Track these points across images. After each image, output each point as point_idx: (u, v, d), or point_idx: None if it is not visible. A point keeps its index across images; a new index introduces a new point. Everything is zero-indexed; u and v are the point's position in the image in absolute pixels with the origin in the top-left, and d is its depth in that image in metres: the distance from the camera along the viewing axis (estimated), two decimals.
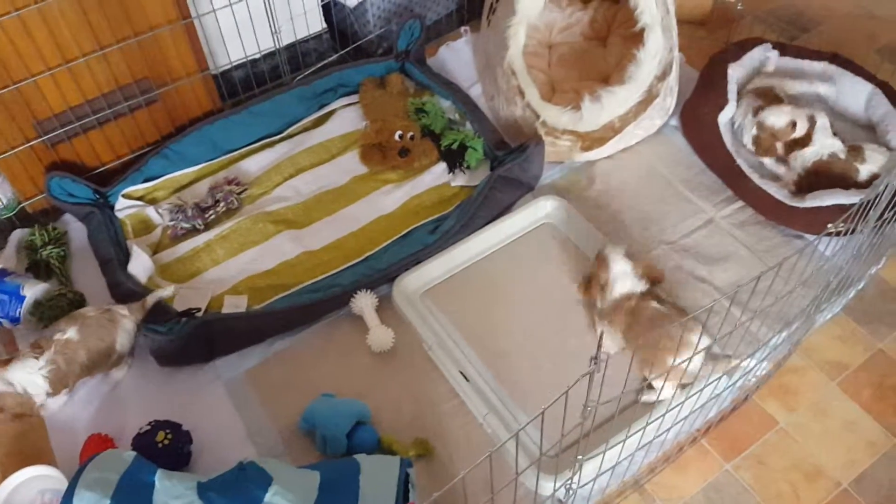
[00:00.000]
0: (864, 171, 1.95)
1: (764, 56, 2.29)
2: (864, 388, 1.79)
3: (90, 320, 1.67)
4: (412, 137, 2.18)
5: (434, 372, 1.77)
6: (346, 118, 2.29)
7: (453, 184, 2.14)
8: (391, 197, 2.11)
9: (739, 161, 2.05)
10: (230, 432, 1.68)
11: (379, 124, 2.20)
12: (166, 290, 1.78)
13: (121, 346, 1.70)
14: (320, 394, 1.70)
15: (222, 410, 1.72)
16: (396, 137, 2.17)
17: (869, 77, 2.22)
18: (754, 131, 2.09)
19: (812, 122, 2.02)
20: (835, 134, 2.03)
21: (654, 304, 1.62)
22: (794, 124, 2.03)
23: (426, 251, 1.94)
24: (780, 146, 2.06)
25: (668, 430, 1.37)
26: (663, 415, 1.28)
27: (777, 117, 2.04)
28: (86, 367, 1.67)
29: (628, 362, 1.00)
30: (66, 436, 1.69)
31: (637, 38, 2.10)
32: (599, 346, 0.85)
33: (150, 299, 1.75)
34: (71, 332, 1.64)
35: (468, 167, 2.14)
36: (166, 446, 1.57)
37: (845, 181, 1.96)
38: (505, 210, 2.07)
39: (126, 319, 1.71)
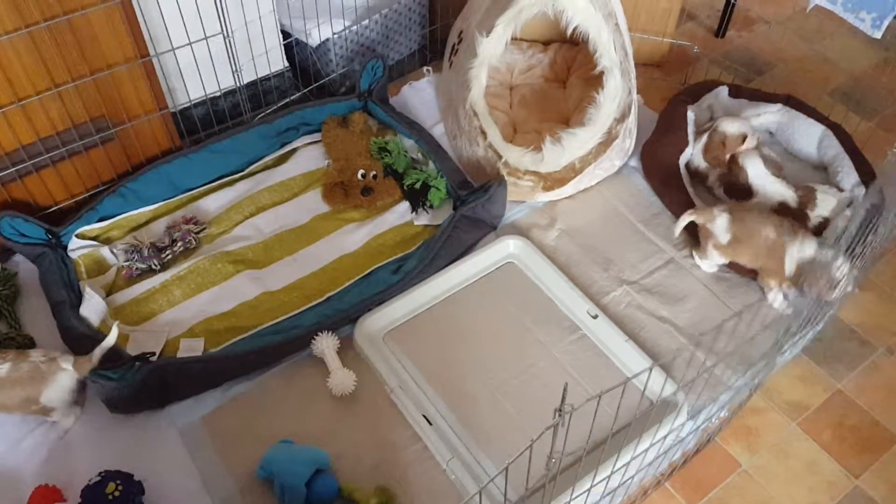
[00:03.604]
0: (814, 217, 1.99)
1: (720, 98, 2.34)
2: (824, 429, 1.80)
3: (24, 366, 1.60)
4: (375, 176, 2.17)
5: (396, 416, 1.74)
6: (308, 157, 2.27)
7: (416, 223, 2.13)
8: (353, 236, 2.09)
9: (699, 203, 2.07)
10: (184, 482, 1.63)
11: (341, 163, 2.18)
12: (111, 336, 1.66)
13: (48, 399, 1.62)
14: (279, 440, 1.66)
15: (176, 459, 1.66)
16: (359, 176, 2.16)
17: (821, 118, 2.27)
18: (705, 138, 2.14)
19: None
20: (784, 179, 2.07)
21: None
22: (744, 137, 2.08)
23: (389, 291, 1.92)
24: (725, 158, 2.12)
25: (633, 476, 1.36)
26: (628, 462, 1.27)
27: (731, 125, 2.09)
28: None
29: (593, 409, 0.98)
30: (10, 487, 1.62)
31: (596, 80, 2.13)
32: (564, 397, 0.83)
33: (98, 353, 1.64)
34: (4, 368, 1.59)
35: (431, 206, 2.14)
36: (117, 498, 1.50)
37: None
38: (468, 249, 2.07)
39: (64, 374, 1.62)
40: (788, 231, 1.85)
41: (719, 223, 1.91)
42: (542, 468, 0.99)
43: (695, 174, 2.20)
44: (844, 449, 1.77)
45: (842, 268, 1.74)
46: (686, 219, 1.97)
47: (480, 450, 1.68)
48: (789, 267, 1.84)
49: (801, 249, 1.82)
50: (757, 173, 2.05)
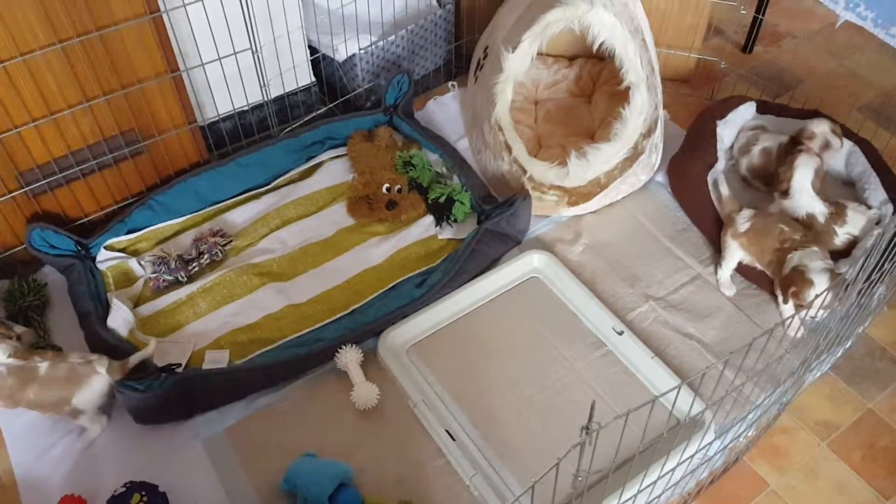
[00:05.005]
0: (842, 234, 1.96)
1: (747, 114, 2.32)
2: (854, 450, 1.77)
3: (62, 366, 1.64)
4: (399, 190, 2.18)
5: (420, 430, 1.73)
6: (334, 170, 2.29)
7: (440, 237, 2.13)
8: (378, 249, 2.10)
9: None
10: (208, 494, 1.63)
11: (366, 177, 2.20)
12: (148, 349, 1.71)
13: (79, 402, 1.65)
14: (302, 453, 1.66)
15: (200, 470, 1.67)
16: (384, 190, 2.17)
17: (849, 135, 2.24)
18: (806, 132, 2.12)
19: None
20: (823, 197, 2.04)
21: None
22: (828, 143, 2.10)
23: (413, 305, 1.92)
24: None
25: (660, 495, 1.34)
26: (655, 481, 1.26)
27: (821, 125, 2.11)
28: (33, 403, 1.64)
29: (620, 428, 0.97)
30: (38, 496, 1.64)
31: (622, 95, 2.12)
32: (591, 415, 0.82)
33: (134, 360, 1.68)
34: (44, 367, 1.63)
35: (455, 220, 2.14)
36: None
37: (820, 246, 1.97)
38: (492, 264, 2.06)
39: (97, 378, 1.65)
40: (800, 240, 1.87)
41: (744, 213, 1.98)
42: (567, 486, 0.98)
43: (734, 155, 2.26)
44: (875, 470, 1.74)
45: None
46: (723, 183, 2.05)
47: (504, 466, 1.67)
48: (786, 269, 1.84)
49: (805, 256, 1.82)
50: (801, 180, 2.02)
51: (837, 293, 1.41)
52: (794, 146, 2.09)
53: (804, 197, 2.01)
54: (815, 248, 1.85)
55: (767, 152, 2.16)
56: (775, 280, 1.90)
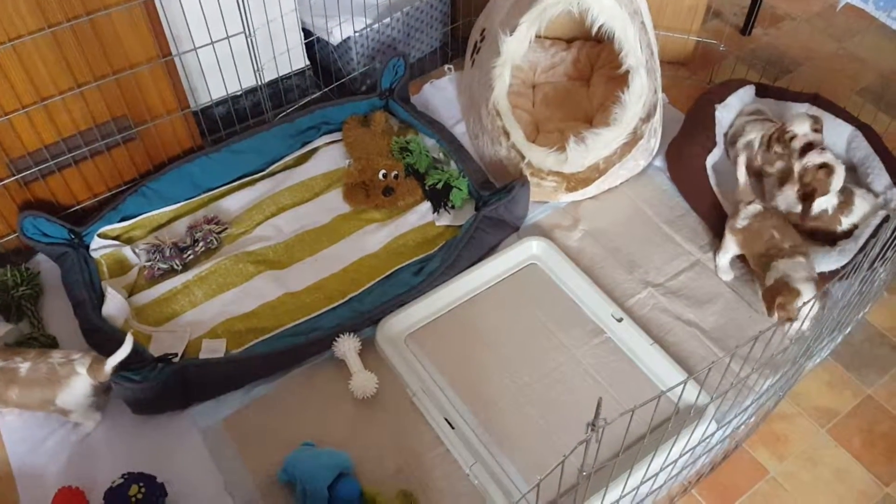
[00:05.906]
0: (846, 222, 1.96)
1: (747, 98, 2.30)
2: (854, 436, 1.77)
3: (42, 367, 1.61)
4: (396, 176, 2.16)
5: (419, 419, 1.72)
6: (330, 156, 2.26)
7: (438, 223, 2.11)
8: (375, 237, 2.08)
9: (725, 205, 2.04)
10: (206, 484, 1.62)
11: (363, 163, 2.17)
12: (124, 349, 1.61)
13: (63, 402, 1.62)
14: (300, 443, 1.65)
15: (198, 461, 1.66)
16: (380, 176, 2.14)
17: (849, 118, 2.23)
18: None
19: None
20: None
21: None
22: (811, 145, 1.97)
23: (410, 293, 1.90)
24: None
25: (662, 486, 1.34)
26: (657, 473, 1.25)
27: (800, 127, 2.00)
28: (18, 404, 1.62)
29: (626, 424, 0.96)
30: (34, 488, 1.62)
31: (621, 79, 2.10)
32: (597, 413, 0.81)
33: (112, 361, 1.61)
34: (24, 367, 1.60)
35: (453, 207, 2.12)
36: (139, 501, 1.50)
37: (825, 233, 1.97)
38: (490, 251, 2.05)
39: (77, 379, 1.61)
40: (790, 247, 1.81)
41: (750, 208, 1.91)
42: (571, 478, 0.98)
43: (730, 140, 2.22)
44: (875, 456, 1.74)
45: (809, 304, 1.68)
46: (743, 173, 1.97)
47: (503, 454, 1.66)
48: (769, 278, 1.79)
49: (789, 267, 1.76)
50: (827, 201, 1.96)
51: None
52: (776, 144, 2.04)
53: (824, 204, 1.96)
54: (802, 259, 1.78)
55: (750, 147, 2.12)
56: (760, 287, 1.86)
